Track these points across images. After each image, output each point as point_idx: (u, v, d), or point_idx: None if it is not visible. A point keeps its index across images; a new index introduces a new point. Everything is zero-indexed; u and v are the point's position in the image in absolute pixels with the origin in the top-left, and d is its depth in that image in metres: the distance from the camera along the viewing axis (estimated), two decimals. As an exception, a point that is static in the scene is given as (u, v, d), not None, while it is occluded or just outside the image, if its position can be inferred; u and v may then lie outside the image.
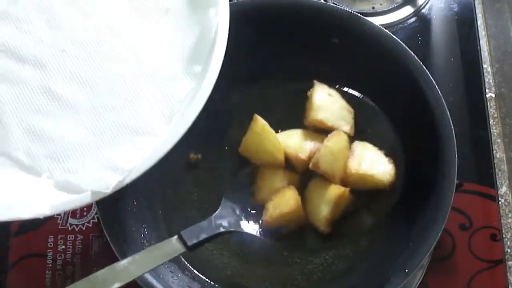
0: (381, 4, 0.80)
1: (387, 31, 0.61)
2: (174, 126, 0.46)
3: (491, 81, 0.77)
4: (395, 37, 0.60)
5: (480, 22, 0.80)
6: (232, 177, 0.62)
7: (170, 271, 0.58)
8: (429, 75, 0.58)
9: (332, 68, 0.64)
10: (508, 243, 0.66)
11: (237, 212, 0.56)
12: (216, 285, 0.59)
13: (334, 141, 0.56)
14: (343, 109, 0.58)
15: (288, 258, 0.60)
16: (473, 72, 0.75)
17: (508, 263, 0.65)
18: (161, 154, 0.45)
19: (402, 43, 0.60)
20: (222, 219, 0.55)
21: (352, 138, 0.60)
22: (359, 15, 0.62)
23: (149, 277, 0.53)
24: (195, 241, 0.50)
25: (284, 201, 0.55)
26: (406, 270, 0.52)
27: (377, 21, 0.74)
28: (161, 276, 0.56)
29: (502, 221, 0.67)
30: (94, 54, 0.49)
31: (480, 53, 0.76)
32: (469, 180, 0.67)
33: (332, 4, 0.73)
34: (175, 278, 0.58)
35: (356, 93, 0.65)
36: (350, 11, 0.63)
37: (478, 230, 0.65)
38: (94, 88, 0.48)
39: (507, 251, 0.65)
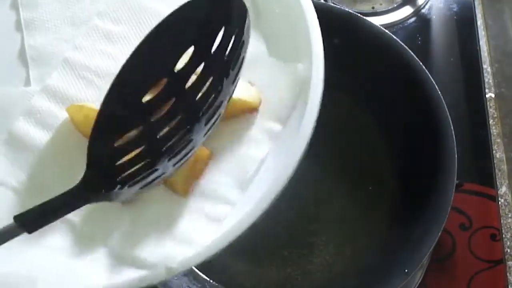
0: (381, 4, 0.80)
1: (387, 31, 0.61)
2: (258, 194, 0.40)
3: (491, 81, 0.77)
4: (395, 37, 0.60)
5: (480, 22, 0.80)
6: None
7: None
8: (429, 75, 0.58)
9: (331, 68, 0.64)
10: (508, 243, 0.66)
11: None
12: (216, 285, 0.59)
13: None
14: None
15: (288, 258, 0.60)
16: (473, 72, 0.75)
17: (508, 263, 0.65)
18: (243, 227, 0.39)
19: (402, 43, 0.60)
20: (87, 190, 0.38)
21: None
22: (359, 15, 0.62)
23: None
24: (38, 220, 0.36)
25: None
26: (406, 270, 0.52)
27: (377, 21, 0.74)
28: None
29: (502, 221, 0.67)
30: None
31: (480, 53, 0.76)
32: (469, 180, 0.67)
33: (332, 4, 0.73)
34: (175, 278, 0.58)
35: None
36: (350, 11, 0.63)
37: (478, 230, 0.65)
38: None
39: (507, 251, 0.65)
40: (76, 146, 0.44)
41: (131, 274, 0.39)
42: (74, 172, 0.43)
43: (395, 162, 0.62)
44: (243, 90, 0.45)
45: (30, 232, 0.36)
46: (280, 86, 0.45)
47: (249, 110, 0.45)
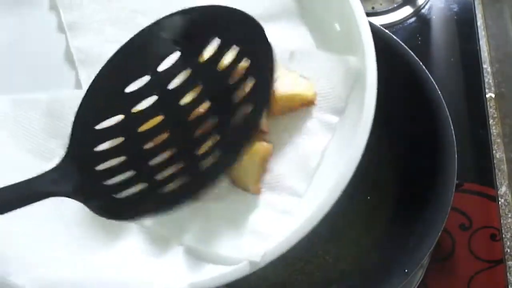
0: (381, 4, 0.80)
1: (387, 31, 0.61)
2: (324, 185, 0.41)
3: (491, 81, 0.77)
4: (395, 37, 0.60)
5: (480, 22, 0.80)
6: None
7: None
8: (429, 75, 0.58)
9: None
10: (508, 243, 0.66)
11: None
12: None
13: None
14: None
15: (288, 258, 0.60)
16: (473, 72, 0.75)
17: (508, 263, 0.65)
18: (318, 218, 0.39)
19: (402, 43, 0.60)
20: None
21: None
22: (359, 15, 0.62)
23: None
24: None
25: None
26: (406, 270, 0.52)
27: (377, 21, 0.74)
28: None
29: (502, 221, 0.67)
30: None
31: (480, 53, 0.76)
32: (469, 180, 0.67)
33: (332, 4, 0.73)
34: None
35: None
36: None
37: (478, 230, 0.65)
38: None
39: (507, 251, 0.65)
40: None
41: (214, 271, 0.39)
42: None
43: (395, 162, 0.62)
44: (297, 84, 0.45)
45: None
46: (333, 78, 0.45)
47: (306, 104, 0.46)
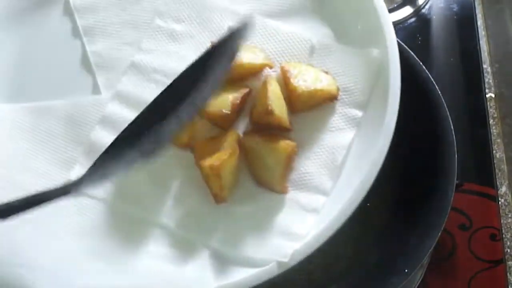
0: (381, 4, 0.80)
1: (387, 31, 0.61)
2: (350, 182, 0.40)
3: (491, 81, 0.77)
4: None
5: (480, 22, 0.80)
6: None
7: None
8: (429, 75, 0.58)
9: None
10: (508, 243, 0.66)
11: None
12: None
13: (274, 84, 0.45)
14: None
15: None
16: (473, 72, 0.75)
17: (508, 263, 0.65)
18: (346, 216, 0.39)
19: (402, 43, 0.60)
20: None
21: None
22: (359, 15, 0.62)
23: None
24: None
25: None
26: (406, 270, 0.52)
27: (377, 21, 0.74)
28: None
29: (502, 221, 0.67)
30: None
31: (480, 53, 0.76)
32: (469, 180, 0.67)
33: (332, 4, 0.73)
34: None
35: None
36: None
37: (478, 230, 0.65)
38: None
39: (507, 251, 0.65)
40: None
41: (241, 273, 0.39)
42: (158, 176, 0.43)
43: (395, 162, 0.62)
44: (319, 79, 0.45)
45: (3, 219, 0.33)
46: (355, 72, 0.45)
47: (329, 99, 0.45)
